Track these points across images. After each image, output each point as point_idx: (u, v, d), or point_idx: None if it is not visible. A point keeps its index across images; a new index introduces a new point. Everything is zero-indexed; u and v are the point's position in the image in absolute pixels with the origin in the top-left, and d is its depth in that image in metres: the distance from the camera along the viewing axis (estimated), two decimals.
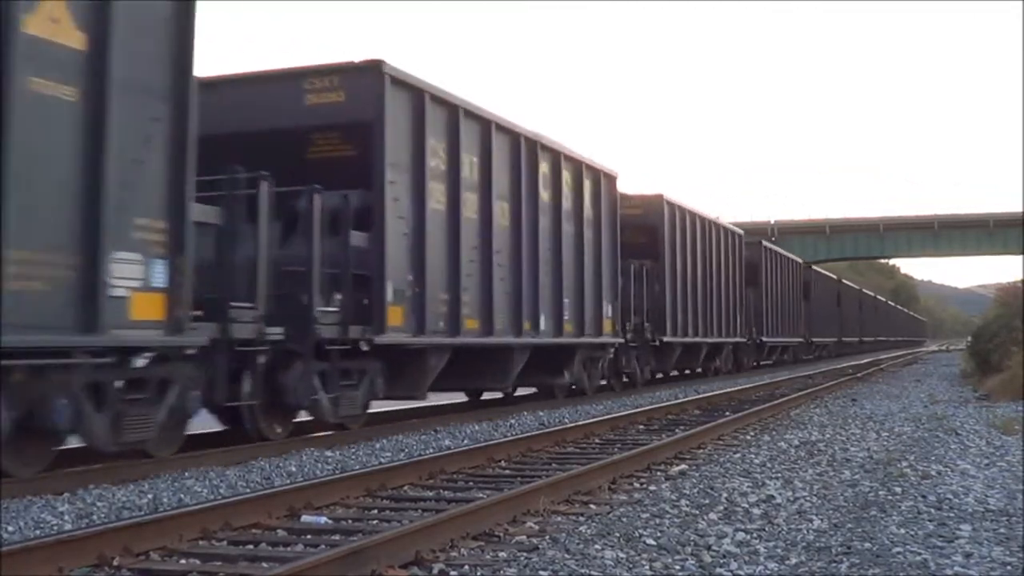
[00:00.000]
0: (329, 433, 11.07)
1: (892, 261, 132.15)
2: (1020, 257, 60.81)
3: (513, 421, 13.11)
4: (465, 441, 10.74)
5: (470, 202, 13.12)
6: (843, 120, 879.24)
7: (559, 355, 16.29)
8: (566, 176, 16.29)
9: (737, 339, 28.02)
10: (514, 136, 14.55)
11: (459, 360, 12.95)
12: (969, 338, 32.07)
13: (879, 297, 71.72)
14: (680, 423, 12.85)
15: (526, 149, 14.82)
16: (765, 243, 33.45)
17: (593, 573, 4.85)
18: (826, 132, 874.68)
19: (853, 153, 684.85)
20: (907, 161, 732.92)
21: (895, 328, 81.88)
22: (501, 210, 13.95)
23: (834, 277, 50.46)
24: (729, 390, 18.80)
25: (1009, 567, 4.97)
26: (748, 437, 11.13)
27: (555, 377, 16.45)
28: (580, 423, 11.94)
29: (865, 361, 40.49)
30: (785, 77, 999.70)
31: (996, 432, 11.30)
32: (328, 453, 9.59)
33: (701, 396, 17.02)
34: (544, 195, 15.40)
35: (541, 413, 14.21)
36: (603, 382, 18.78)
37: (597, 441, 10.90)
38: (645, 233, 21.46)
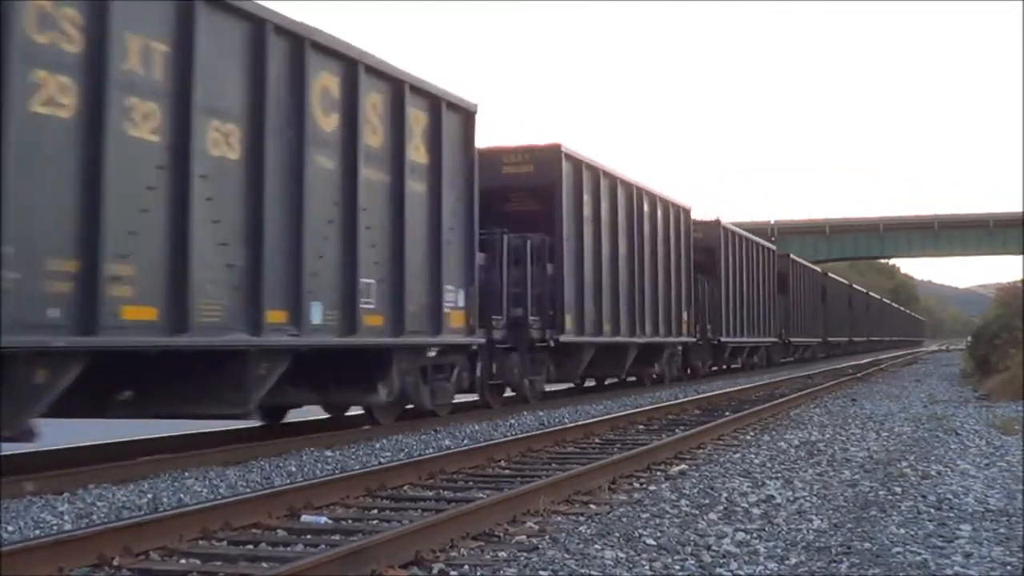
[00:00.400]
0: (328, 433, 11.07)
1: (892, 261, 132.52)
2: (1020, 257, 61.10)
3: (513, 421, 13.12)
4: (465, 441, 10.74)
5: (141, 114, 8.11)
6: (843, 120, 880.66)
7: (366, 362, 11.13)
8: (372, 100, 10.93)
9: (685, 338, 22.77)
10: (253, 22, 9.28)
11: (132, 372, 8.70)
12: (969, 338, 32.03)
13: (872, 294, 69.53)
14: (680, 423, 12.86)
15: (282, 47, 9.58)
16: (725, 224, 27.31)
17: (593, 573, 4.86)
18: (826, 132, 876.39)
19: (853, 153, 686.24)
20: (907, 161, 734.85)
21: (890, 328, 79.27)
22: (219, 135, 8.87)
23: (818, 270, 44.63)
24: (729, 390, 18.86)
25: (1009, 567, 4.97)
26: (748, 437, 11.14)
27: (365, 393, 11.38)
28: (580, 423, 11.95)
29: (865, 361, 40.49)
30: (785, 77, 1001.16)
31: (996, 432, 11.31)
32: (328, 453, 9.59)
33: (701, 396, 17.08)
34: (323, 122, 10.21)
35: (541, 413, 14.21)
36: (474, 397, 14.39)
37: (597, 441, 10.91)
38: (538, 198, 16.14)
